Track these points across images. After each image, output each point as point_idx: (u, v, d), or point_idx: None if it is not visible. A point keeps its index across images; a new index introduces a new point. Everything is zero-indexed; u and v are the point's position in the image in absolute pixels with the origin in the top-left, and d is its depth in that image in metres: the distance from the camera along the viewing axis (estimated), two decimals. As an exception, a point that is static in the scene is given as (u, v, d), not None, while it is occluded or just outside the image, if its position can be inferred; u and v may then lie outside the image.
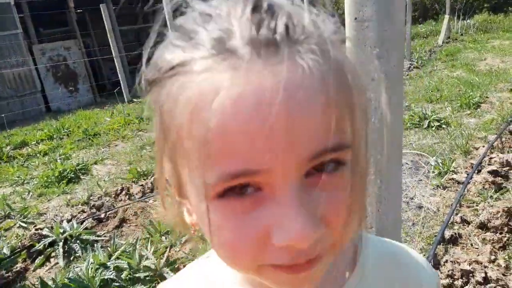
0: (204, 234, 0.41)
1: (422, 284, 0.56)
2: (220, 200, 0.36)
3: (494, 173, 3.30)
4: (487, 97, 5.51)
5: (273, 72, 0.33)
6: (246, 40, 0.33)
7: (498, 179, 3.23)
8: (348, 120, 0.36)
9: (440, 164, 3.54)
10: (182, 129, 0.36)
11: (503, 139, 3.97)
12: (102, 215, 3.54)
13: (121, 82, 8.94)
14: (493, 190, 3.09)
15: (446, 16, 11.51)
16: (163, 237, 3.05)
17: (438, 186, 3.30)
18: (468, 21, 13.19)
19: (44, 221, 3.62)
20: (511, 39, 10.36)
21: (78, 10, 11.10)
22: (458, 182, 3.31)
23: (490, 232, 2.66)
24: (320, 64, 0.34)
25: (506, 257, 2.42)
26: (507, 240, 2.58)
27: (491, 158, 3.57)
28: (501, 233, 2.64)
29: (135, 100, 9.14)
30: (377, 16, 0.89)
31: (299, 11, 0.36)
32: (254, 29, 0.34)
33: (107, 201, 3.81)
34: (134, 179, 4.22)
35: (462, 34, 12.08)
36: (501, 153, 3.71)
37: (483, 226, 2.72)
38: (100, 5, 8.47)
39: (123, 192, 3.92)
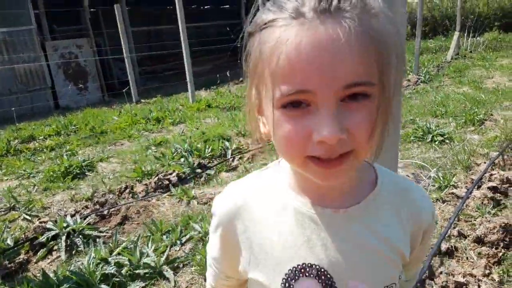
0: (272, 138, 0.62)
1: (422, 211, 0.73)
2: (283, 109, 0.55)
3: (493, 189, 3.32)
4: (491, 115, 5.52)
5: (325, 28, 0.51)
6: (311, 8, 0.53)
7: (497, 196, 3.26)
8: (376, 68, 0.54)
9: (441, 178, 3.58)
10: (264, 61, 0.56)
11: (505, 156, 3.99)
12: (105, 212, 3.59)
13: (130, 82, 9.01)
14: (491, 206, 3.12)
15: (456, 33, 11.52)
16: (164, 236, 3.10)
17: (437, 199, 3.33)
18: (478, 38, 13.17)
19: (48, 214, 3.68)
20: (520, 59, 10.34)
21: (92, 9, 11.23)
22: (458, 197, 3.34)
23: (486, 247, 2.68)
24: (358, 26, 0.52)
25: (501, 272, 2.44)
26: (503, 255, 2.59)
27: (491, 174, 3.59)
28: (496, 248, 2.66)
29: (143, 100, 9.21)
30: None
31: None
32: (316, 2, 0.52)
33: (110, 198, 3.86)
34: (138, 178, 4.27)
35: (471, 51, 12.07)
36: (502, 170, 3.73)
37: (479, 241, 2.74)
38: (115, 5, 8.57)
39: (127, 190, 3.96)
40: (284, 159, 0.63)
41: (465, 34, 12.94)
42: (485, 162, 3.93)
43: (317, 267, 0.65)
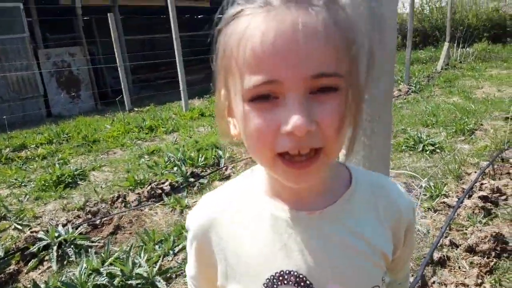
0: (241, 136, 0.60)
1: (400, 207, 0.71)
2: (252, 102, 0.54)
3: (484, 198, 3.35)
4: (481, 124, 5.58)
5: (291, 15, 0.51)
6: None
7: (488, 205, 3.29)
8: (343, 59, 0.53)
9: (432, 188, 3.61)
10: (232, 53, 0.55)
11: (495, 166, 4.03)
12: (98, 221, 3.56)
13: (123, 91, 8.99)
14: (482, 215, 3.15)
15: (446, 43, 11.68)
16: (157, 246, 3.08)
17: (429, 208, 3.35)
18: (467, 49, 13.36)
19: (39, 224, 3.65)
20: (508, 69, 10.47)
21: (85, 18, 11.23)
22: (449, 206, 3.37)
23: (478, 256, 2.70)
24: (324, 15, 0.52)
25: (493, 281, 2.46)
26: (494, 264, 2.60)
27: (482, 184, 3.63)
28: (488, 258, 2.67)
29: (136, 109, 9.19)
30: (369, 36, 0.90)
31: None
32: None
33: (103, 208, 3.83)
34: (131, 187, 4.24)
35: (461, 62, 12.23)
36: (493, 179, 3.77)
37: (471, 250, 2.75)
38: (108, 14, 8.57)
39: (119, 200, 3.94)
40: (255, 160, 0.61)
41: (455, 45, 13.12)
42: (475, 172, 3.98)
43: (295, 273, 0.63)
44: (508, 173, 3.92)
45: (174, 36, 8.00)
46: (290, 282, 0.63)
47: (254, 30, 0.51)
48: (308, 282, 0.63)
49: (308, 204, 0.66)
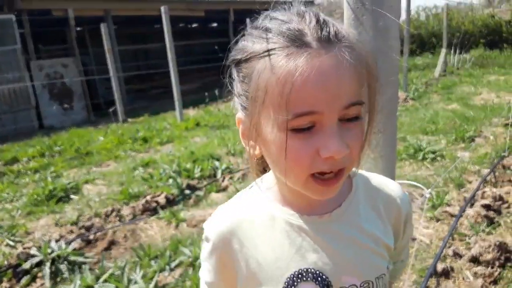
0: (269, 159, 0.69)
1: (397, 202, 0.80)
2: (292, 132, 0.60)
3: (486, 207, 3.30)
4: (481, 131, 5.56)
5: (328, 56, 0.59)
6: (315, 37, 0.59)
7: (491, 213, 3.23)
8: (365, 89, 0.64)
9: (434, 197, 3.55)
10: (272, 87, 0.60)
11: (497, 173, 3.99)
12: (91, 236, 3.47)
13: (116, 102, 8.94)
14: (485, 224, 3.09)
15: (443, 50, 11.75)
16: (153, 261, 2.99)
17: (431, 218, 3.29)
18: (464, 55, 13.45)
19: (32, 240, 3.54)
20: (506, 75, 10.55)
21: (78, 29, 11.18)
22: (451, 215, 3.31)
23: (482, 266, 2.64)
24: (352, 54, 0.60)
25: (498, 292, 2.40)
26: (499, 274, 2.56)
27: (484, 192, 3.58)
28: (492, 267, 2.62)
29: (129, 120, 9.12)
30: (373, 50, 0.89)
31: (336, 23, 0.63)
32: (319, 32, 0.60)
33: (96, 222, 3.74)
34: (125, 201, 4.16)
35: (458, 68, 12.30)
36: (494, 187, 3.73)
37: (474, 260, 2.70)
38: (101, 24, 8.53)
39: (114, 214, 3.85)
40: (286, 179, 0.67)
41: (452, 51, 13.20)
42: (476, 180, 3.93)
43: (312, 270, 0.72)
44: (510, 181, 3.88)
45: (168, 46, 7.98)
46: (309, 279, 0.72)
47: (298, 70, 0.58)
48: (324, 276, 0.72)
49: (317, 209, 0.74)
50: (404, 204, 0.81)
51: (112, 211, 3.90)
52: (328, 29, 0.60)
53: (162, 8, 7.84)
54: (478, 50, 14.67)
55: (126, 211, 3.90)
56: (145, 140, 6.87)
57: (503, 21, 15.71)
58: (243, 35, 0.67)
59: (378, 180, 0.83)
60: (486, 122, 6.05)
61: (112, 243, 3.39)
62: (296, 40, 0.59)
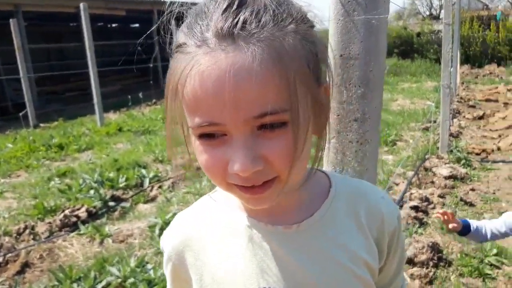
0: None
1: (382, 212, 0.69)
2: (201, 139, 0.54)
3: (415, 208, 3.45)
4: (401, 135, 5.91)
5: (226, 57, 0.49)
6: (214, 33, 0.50)
7: (420, 214, 3.38)
8: (285, 92, 0.50)
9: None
10: (178, 91, 0.54)
11: (420, 175, 4.20)
12: (0, 259, 3.16)
13: (27, 105, 8.36)
14: (417, 226, 3.21)
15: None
16: (75, 284, 2.75)
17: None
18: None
19: None
20: (417, 82, 11.54)
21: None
22: (384, 218, 3.39)
23: (417, 267, 2.76)
24: (263, 51, 0.49)
25: (434, 292, 2.48)
26: (433, 274, 2.68)
27: (411, 193, 3.74)
28: (427, 268, 2.75)
29: (42, 125, 8.51)
30: (364, 55, 0.82)
31: (268, 8, 0.52)
32: (222, 23, 0.50)
33: (6, 242, 3.40)
34: (40, 216, 3.84)
35: (373, 76, 13.12)
36: (419, 188, 3.92)
37: (410, 262, 2.80)
38: (10, 20, 8.01)
39: (27, 231, 3.54)
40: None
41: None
42: (403, 182, 4.10)
43: None
44: (432, 182, 4.11)
45: (87, 45, 7.77)
46: None
47: (192, 71, 0.51)
48: None
49: (284, 218, 0.65)
50: (390, 215, 0.70)
51: (25, 228, 3.60)
52: (237, 18, 0.50)
53: (81, 5, 7.61)
54: (392, 59, 15.82)
55: (41, 228, 3.62)
56: (60, 147, 6.49)
57: (414, 33, 17.27)
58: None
59: (362, 186, 0.73)
60: (404, 126, 6.46)
61: (26, 266, 3.14)
62: (196, 35, 0.52)
